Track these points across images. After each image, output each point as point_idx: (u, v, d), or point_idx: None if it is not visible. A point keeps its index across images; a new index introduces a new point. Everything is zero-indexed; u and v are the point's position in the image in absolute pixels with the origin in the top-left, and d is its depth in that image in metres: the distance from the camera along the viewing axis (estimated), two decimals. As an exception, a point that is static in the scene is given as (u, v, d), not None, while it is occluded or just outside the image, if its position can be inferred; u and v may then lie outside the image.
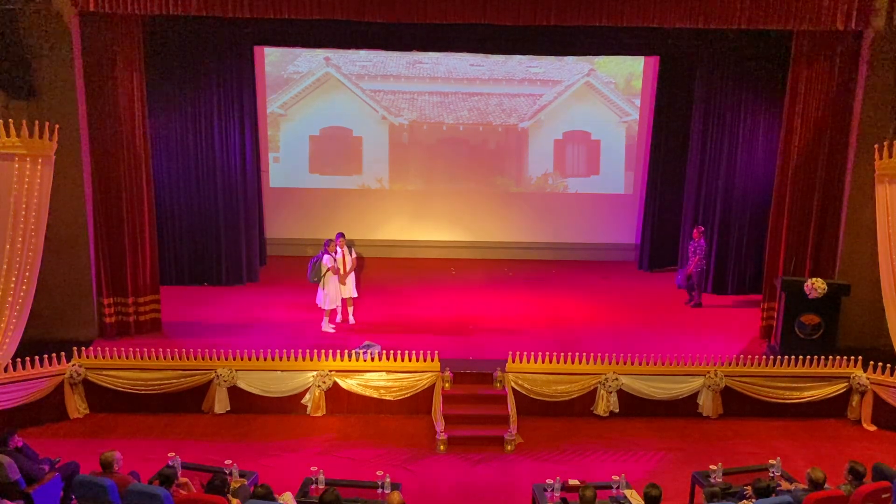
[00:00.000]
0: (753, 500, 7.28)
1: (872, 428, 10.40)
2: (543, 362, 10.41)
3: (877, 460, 7.94)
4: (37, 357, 9.93)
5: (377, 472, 8.13)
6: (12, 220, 10.00)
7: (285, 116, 15.80)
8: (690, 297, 13.68)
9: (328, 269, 11.68)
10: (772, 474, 8.15)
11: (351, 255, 12.28)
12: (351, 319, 12.39)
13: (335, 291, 11.85)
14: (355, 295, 12.36)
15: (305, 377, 10.33)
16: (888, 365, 10.38)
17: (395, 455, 9.49)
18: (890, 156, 10.40)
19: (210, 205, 13.98)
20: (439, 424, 9.81)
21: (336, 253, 11.92)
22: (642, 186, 15.82)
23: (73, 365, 10.17)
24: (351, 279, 12.21)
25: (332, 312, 12.09)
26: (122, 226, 11.57)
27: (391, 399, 10.33)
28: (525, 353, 10.48)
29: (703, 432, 10.22)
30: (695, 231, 13.43)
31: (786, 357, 10.55)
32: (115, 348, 10.39)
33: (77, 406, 10.25)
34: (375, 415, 10.41)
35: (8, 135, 9.84)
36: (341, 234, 12.25)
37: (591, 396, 10.45)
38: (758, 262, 14.04)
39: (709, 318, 13.17)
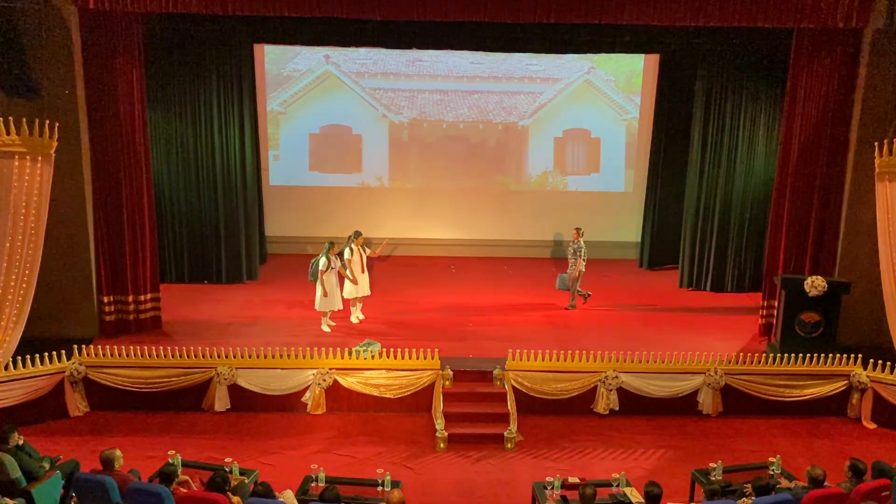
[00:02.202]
0: (753, 498, 7.29)
1: (872, 426, 10.41)
2: (543, 360, 10.42)
3: (877, 458, 7.94)
4: (37, 355, 9.93)
5: (377, 470, 8.15)
6: (12, 218, 10.01)
7: (285, 114, 15.80)
8: (583, 297, 13.36)
9: (323, 272, 11.67)
10: (772, 472, 8.16)
11: (364, 253, 12.31)
12: (359, 315, 12.44)
13: (330, 294, 11.79)
14: (367, 293, 12.45)
15: (305, 375, 10.33)
16: (888, 363, 10.39)
17: (395, 453, 9.50)
18: (890, 153, 10.41)
19: (210, 203, 13.99)
20: (439, 422, 9.82)
21: (352, 251, 11.99)
22: (643, 184, 15.81)
23: (73, 363, 10.17)
24: (364, 278, 12.26)
25: (332, 312, 12.06)
26: (122, 224, 11.58)
27: (391, 397, 10.34)
28: (525, 350, 10.48)
29: (703, 430, 10.23)
30: (574, 233, 13.17)
31: (786, 355, 10.55)
32: (115, 346, 10.39)
33: (77, 404, 10.26)
34: (375, 413, 10.42)
35: (8, 133, 9.86)
36: (358, 233, 12.32)
37: (590, 394, 10.45)
38: (758, 259, 14.05)
39: (709, 316, 13.17)
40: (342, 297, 12.14)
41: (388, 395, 10.33)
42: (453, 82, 15.74)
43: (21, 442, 7.87)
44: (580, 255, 13.02)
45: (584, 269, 13.13)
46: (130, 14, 10.89)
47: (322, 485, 7.76)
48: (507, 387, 10.28)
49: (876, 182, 10.68)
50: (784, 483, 7.86)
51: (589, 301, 13.67)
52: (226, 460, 8.13)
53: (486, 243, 16.36)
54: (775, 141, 13.31)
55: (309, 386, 10.36)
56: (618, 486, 7.92)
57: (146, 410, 10.26)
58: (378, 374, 10.34)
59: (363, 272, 12.23)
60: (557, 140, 16.16)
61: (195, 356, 10.30)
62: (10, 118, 9.92)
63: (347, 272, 12.00)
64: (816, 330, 11.03)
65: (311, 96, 15.70)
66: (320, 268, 11.66)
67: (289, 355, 10.37)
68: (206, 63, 13.49)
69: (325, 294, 11.72)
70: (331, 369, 10.32)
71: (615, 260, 16.24)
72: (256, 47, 14.58)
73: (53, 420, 10.05)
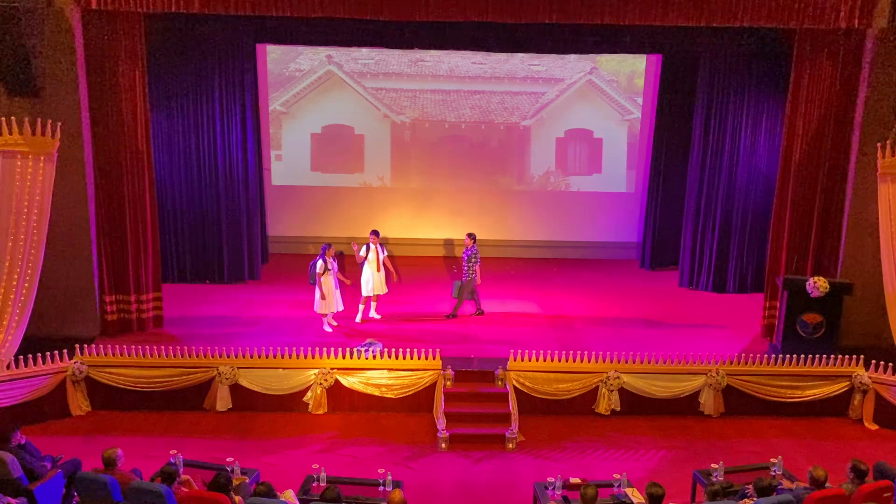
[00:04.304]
0: (755, 499, 7.28)
1: (874, 427, 10.39)
2: (545, 360, 10.42)
3: (878, 459, 7.93)
4: (39, 354, 9.95)
5: (379, 470, 8.14)
6: (14, 217, 10.03)
7: (287, 114, 15.80)
8: (455, 308, 12.74)
9: (320, 274, 11.68)
10: (773, 473, 8.15)
11: (382, 252, 12.38)
12: (374, 314, 12.49)
13: (329, 296, 11.82)
14: (384, 291, 12.52)
15: (307, 375, 10.34)
16: (890, 364, 10.38)
17: (396, 453, 9.50)
18: (893, 154, 10.41)
19: (212, 202, 14.00)
20: (441, 422, 9.82)
21: (368, 249, 12.07)
22: (644, 184, 15.81)
23: (75, 362, 10.18)
24: (380, 276, 12.33)
25: (333, 313, 12.07)
26: (124, 223, 11.59)
27: (393, 397, 10.34)
28: (526, 351, 10.48)
29: (705, 431, 10.22)
30: (467, 238, 12.62)
31: (787, 356, 10.54)
32: (117, 346, 10.40)
33: (79, 403, 10.26)
34: (377, 413, 10.42)
35: (10, 132, 9.87)
36: (375, 232, 12.37)
37: (592, 395, 10.44)
38: (760, 260, 14.03)
39: (710, 317, 13.15)
40: (363, 293, 12.30)
41: (389, 395, 10.33)
42: (455, 83, 15.74)
43: (23, 441, 7.89)
44: (475, 262, 12.47)
45: (478, 279, 12.60)
46: (133, 14, 10.90)
47: (323, 484, 7.76)
48: (508, 387, 10.27)
49: (878, 183, 10.68)
50: (786, 484, 7.85)
51: (591, 302, 13.67)
52: (227, 460, 8.13)
53: (488, 243, 16.28)
54: (777, 141, 13.28)
55: (310, 386, 10.36)
56: (619, 486, 7.91)
57: (148, 410, 10.27)
58: (379, 374, 10.34)
59: (378, 270, 12.27)
60: (559, 140, 16.16)
61: (197, 356, 10.31)
62: (13, 118, 9.93)
63: (365, 270, 12.13)
64: (818, 331, 11.01)
65: (314, 96, 15.71)
66: (317, 270, 11.67)
67: (290, 355, 10.37)
68: (209, 63, 13.50)
69: (322, 297, 11.74)
70: (332, 369, 10.32)
71: (616, 260, 16.25)
72: (259, 47, 14.58)
73: (55, 419, 10.07)
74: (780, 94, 13.13)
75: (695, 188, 14.35)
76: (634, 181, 16.30)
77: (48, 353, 10.03)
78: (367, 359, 10.40)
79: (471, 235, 12.66)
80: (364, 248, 12.23)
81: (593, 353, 10.51)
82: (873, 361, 10.49)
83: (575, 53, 14.91)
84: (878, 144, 10.58)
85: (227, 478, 7.23)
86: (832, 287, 10.87)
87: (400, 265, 15.40)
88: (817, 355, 10.51)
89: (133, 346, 10.42)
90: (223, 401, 10.33)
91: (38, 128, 9.97)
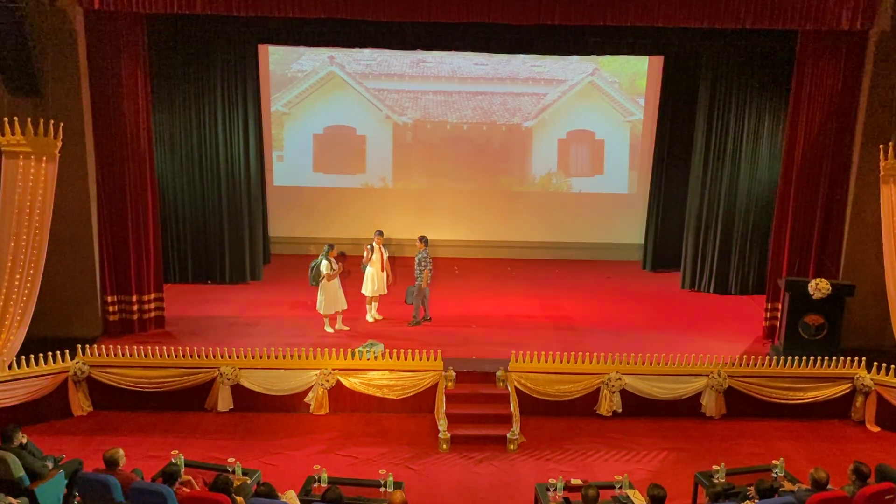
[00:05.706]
0: (756, 501, 7.28)
1: (876, 429, 10.38)
2: (546, 362, 10.41)
3: (880, 461, 7.92)
4: (41, 354, 9.95)
5: (380, 471, 8.15)
6: (17, 217, 10.06)
7: (289, 115, 15.82)
8: (416, 315, 12.42)
9: (324, 276, 11.69)
10: (775, 475, 8.15)
11: (385, 252, 12.43)
12: (375, 315, 12.52)
13: (333, 296, 11.83)
14: (384, 292, 12.54)
15: (308, 375, 10.34)
16: (892, 366, 10.36)
17: (397, 454, 9.50)
18: (895, 156, 10.39)
19: (214, 203, 14.02)
20: (442, 423, 9.82)
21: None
22: (646, 186, 15.80)
23: (76, 362, 10.19)
24: (383, 276, 12.37)
25: (332, 317, 12.06)
26: (126, 224, 11.60)
27: (394, 398, 10.33)
28: (528, 352, 10.47)
29: (706, 432, 10.21)
30: (418, 241, 12.32)
31: (789, 357, 10.53)
32: (118, 346, 10.40)
33: (81, 403, 10.27)
34: (378, 413, 10.42)
35: (13, 133, 9.90)
36: (379, 232, 12.41)
37: (593, 396, 10.44)
38: (761, 261, 14.02)
39: (712, 319, 13.15)
40: (365, 294, 12.32)
41: (390, 396, 10.32)
42: (457, 83, 15.75)
43: (25, 441, 7.89)
44: (426, 267, 12.22)
45: (425, 284, 12.31)
46: (135, 14, 10.91)
47: (324, 485, 7.77)
48: (509, 388, 10.27)
49: (881, 184, 10.68)
50: (787, 486, 7.85)
51: (592, 303, 13.66)
52: (229, 460, 8.14)
53: (490, 244, 16.36)
54: (779, 143, 13.29)
55: (312, 386, 10.36)
56: (620, 488, 7.91)
57: (149, 410, 10.27)
58: (381, 374, 10.34)
59: (382, 271, 12.32)
60: (561, 141, 16.16)
61: (198, 356, 10.31)
62: (15, 118, 9.96)
63: (367, 268, 12.18)
64: (820, 332, 11.00)
65: (315, 97, 15.72)
66: (323, 270, 11.67)
67: (292, 356, 10.37)
68: (211, 63, 13.51)
69: (327, 297, 11.74)
70: (333, 370, 10.32)
71: (618, 262, 16.24)
72: (261, 48, 14.60)
73: (57, 419, 10.06)
74: (782, 95, 13.14)
75: (697, 189, 14.35)
76: (637, 182, 16.29)
77: (50, 354, 10.02)
78: (368, 359, 10.40)
79: (422, 239, 12.41)
80: (368, 248, 12.25)
81: (595, 354, 10.50)
82: (875, 363, 10.47)
83: (577, 55, 14.90)
84: (880, 146, 10.58)
85: (229, 478, 7.22)
86: (834, 289, 10.86)
87: (402, 266, 15.48)
88: (819, 357, 10.49)
89: (135, 347, 10.43)
90: (224, 401, 10.33)
91: (40, 128, 9.99)
